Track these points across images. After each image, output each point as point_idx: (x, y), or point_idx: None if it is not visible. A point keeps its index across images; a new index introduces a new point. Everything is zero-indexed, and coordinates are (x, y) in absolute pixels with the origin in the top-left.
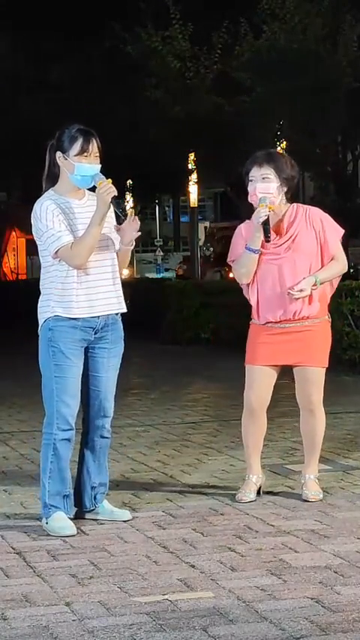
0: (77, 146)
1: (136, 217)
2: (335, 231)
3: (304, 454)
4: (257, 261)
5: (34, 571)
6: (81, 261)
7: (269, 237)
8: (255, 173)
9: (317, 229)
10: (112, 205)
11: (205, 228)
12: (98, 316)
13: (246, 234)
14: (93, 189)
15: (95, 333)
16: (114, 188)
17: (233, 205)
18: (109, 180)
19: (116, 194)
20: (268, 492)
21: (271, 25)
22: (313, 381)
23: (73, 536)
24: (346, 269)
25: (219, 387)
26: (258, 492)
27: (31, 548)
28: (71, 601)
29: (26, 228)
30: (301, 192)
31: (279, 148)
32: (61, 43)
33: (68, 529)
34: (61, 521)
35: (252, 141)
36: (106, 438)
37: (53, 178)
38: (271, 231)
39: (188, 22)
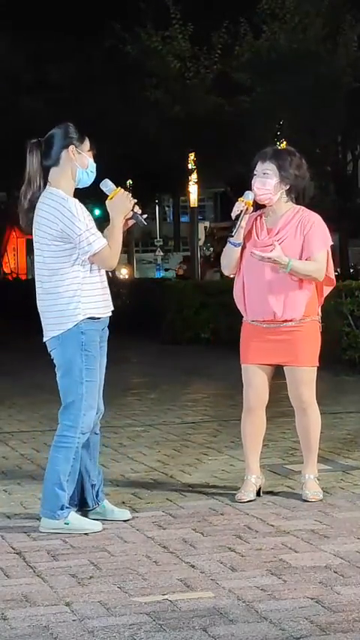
0: (87, 142)
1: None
2: (321, 239)
3: (303, 454)
4: (240, 256)
5: (34, 571)
6: (115, 262)
7: (232, 233)
8: (258, 168)
9: (305, 233)
10: (132, 213)
11: (205, 228)
12: (108, 316)
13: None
14: (87, 190)
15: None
16: (130, 195)
17: (233, 205)
18: (119, 187)
19: (135, 201)
20: (268, 492)
21: (271, 25)
22: (303, 381)
23: (101, 531)
24: (321, 277)
25: (219, 387)
26: (258, 493)
27: (31, 548)
28: (71, 601)
29: (26, 228)
30: (301, 192)
31: (279, 146)
32: (61, 43)
33: (97, 525)
34: (83, 519)
35: (252, 141)
36: (98, 434)
37: (44, 176)
38: (264, 230)
39: (188, 22)
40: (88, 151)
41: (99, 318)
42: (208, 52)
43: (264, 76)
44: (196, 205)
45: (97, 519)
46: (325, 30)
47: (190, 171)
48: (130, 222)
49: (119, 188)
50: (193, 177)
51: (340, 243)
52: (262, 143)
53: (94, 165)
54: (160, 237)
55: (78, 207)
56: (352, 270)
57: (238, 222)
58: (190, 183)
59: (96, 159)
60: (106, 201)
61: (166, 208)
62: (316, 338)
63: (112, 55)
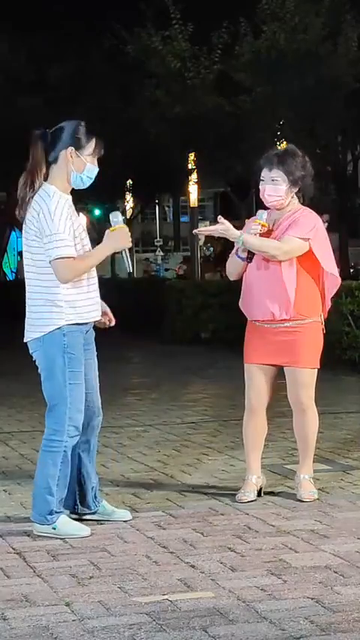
0: (92, 146)
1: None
2: (299, 227)
3: (299, 454)
4: (245, 266)
5: (34, 571)
6: (71, 278)
7: (251, 258)
8: (265, 175)
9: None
10: (124, 251)
11: None
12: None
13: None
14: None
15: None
16: (130, 237)
17: (233, 205)
18: (125, 226)
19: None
20: (268, 492)
21: (271, 25)
22: (301, 383)
23: (90, 535)
24: (277, 255)
25: (219, 387)
26: (259, 494)
27: (31, 548)
28: (71, 601)
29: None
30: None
31: (279, 146)
32: (61, 42)
33: (84, 530)
34: (71, 523)
35: (252, 141)
36: (97, 436)
37: (43, 170)
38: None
39: (188, 22)
40: (91, 154)
41: (85, 323)
42: (208, 52)
43: (264, 76)
44: (196, 205)
45: (96, 520)
46: (325, 30)
47: (190, 171)
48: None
49: (124, 225)
50: (193, 177)
51: (340, 243)
52: (262, 143)
53: (94, 170)
54: (160, 237)
55: (59, 207)
56: (352, 270)
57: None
58: (190, 183)
59: (100, 161)
60: (107, 230)
61: (166, 208)
62: (317, 340)
63: (112, 55)
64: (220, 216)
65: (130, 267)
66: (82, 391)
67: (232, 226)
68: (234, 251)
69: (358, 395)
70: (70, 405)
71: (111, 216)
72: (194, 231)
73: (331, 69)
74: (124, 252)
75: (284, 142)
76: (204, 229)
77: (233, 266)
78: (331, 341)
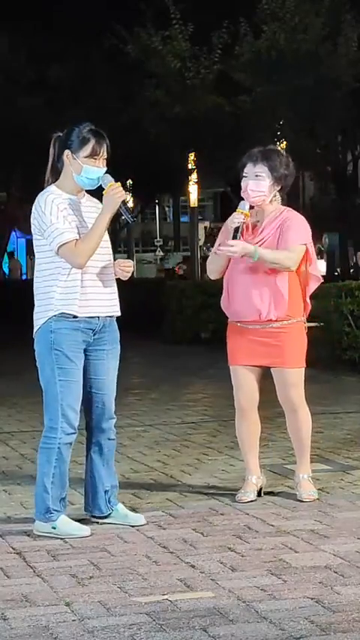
0: (88, 148)
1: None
2: (297, 233)
3: (295, 454)
4: (227, 261)
5: (34, 571)
6: (83, 260)
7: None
8: (249, 170)
9: (283, 231)
10: (120, 207)
11: (205, 228)
12: (98, 317)
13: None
14: (94, 190)
15: (94, 335)
16: (123, 191)
17: (233, 205)
18: (118, 183)
19: (125, 198)
20: (268, 492)
21: (271, 25)
22: (290, 383)
23: (90, 535)
24: (291, 265)
25: (219, 387)
26: (259, 494)
27: (31, 548)
28: (71, 601)
29: (26, 228)
30: (301, 192)
31: (279, 146)
32: (61, 42)
33: (84, 530)
34: (71, 523)
35: (252, 141)
36: (113, 439)
37: (56, 172)
38: (249, 230)
39: (188, 22)
40: (87, 157)
41: (76, 317)
42: (208, 52)
43: (264, 76)
44: (196, 205)
45: (97, 521)
46: (325, 30)
47: (190, 171)
48: None
49: (116, 183)
50: (193, 177)
51: (340, 243)
52: (262, 143)
53: (93, 171)
54: (160, 237)
55: (49, 202)
56: (352, 270)
57: (238, 235)
58: (190, 183)
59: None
60: (103, 196)
61: (166, 208)
62: (301, 339)
63: (112, 55)
64: (231, 241)
65: (131, 219)
66: (75, 389)
67: (244, 244)
68: (214, 249)
69: (358, 395)
70: (62, 402)
71: (101, 181)
72: (215, 250)
73: (331, 69)
74: (121, 207)
75: (284, 142)
76: (224, 249)
77: (214, 264)
78: (331, 341)
